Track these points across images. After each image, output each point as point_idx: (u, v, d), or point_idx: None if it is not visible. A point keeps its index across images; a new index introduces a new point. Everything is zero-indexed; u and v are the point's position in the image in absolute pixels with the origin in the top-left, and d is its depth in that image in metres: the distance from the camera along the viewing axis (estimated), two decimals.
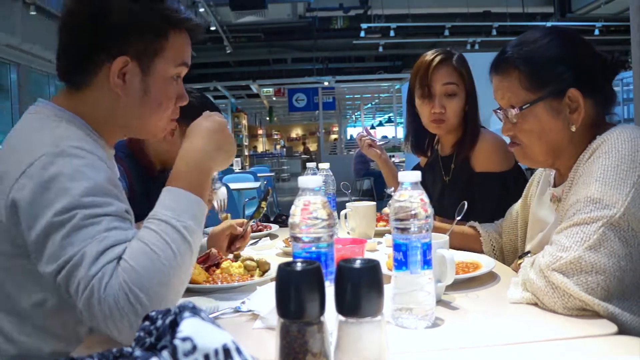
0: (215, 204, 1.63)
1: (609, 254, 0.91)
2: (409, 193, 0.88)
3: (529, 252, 1.30)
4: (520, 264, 1.09)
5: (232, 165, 11.24)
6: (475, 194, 1.69)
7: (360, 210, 1.79)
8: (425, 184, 1.99)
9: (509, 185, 1.68)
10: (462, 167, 1.78)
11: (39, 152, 0.87)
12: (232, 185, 5.16)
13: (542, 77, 1.10)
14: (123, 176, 1.68)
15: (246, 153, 17.89)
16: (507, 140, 1.24)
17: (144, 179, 1.79)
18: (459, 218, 1.33)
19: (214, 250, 1.42)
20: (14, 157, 0.90)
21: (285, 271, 0.58)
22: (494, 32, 9.98)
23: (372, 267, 0.59)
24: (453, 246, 1.33)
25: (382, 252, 1.59)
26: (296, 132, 25.00)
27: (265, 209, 1.52)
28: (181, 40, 1.04)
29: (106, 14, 0.95)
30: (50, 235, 0.82)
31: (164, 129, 1.08)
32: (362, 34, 10.16)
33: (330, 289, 0.60)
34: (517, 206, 1.46)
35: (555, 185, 1.22)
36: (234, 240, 1.48)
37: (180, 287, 0.84)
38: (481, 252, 1.46)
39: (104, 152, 0.98)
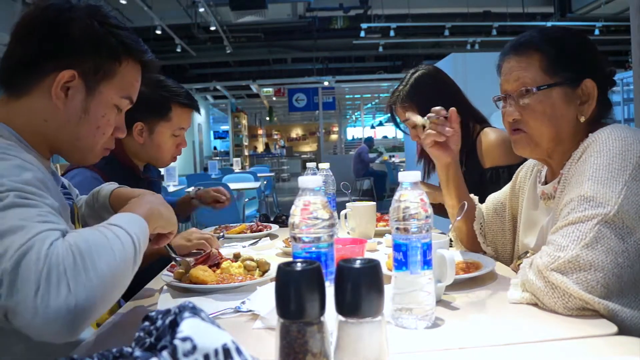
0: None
1: (606, 251, 0.91)
2: (409, 193, 0.88)
3: (527, 252, 1.30)
4: (519, 264, 1.09)
5: (231, 165, 11.26)
6: (487, 191, 1.72)
7: (360, 210, 1.79)
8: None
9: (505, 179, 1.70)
10: (472, 168, 1.83)
11: None
12: (232, 185, 5.17)
13: (563, 62, 1.12)
14: (101, 183, 1.68)
15: (246, 153, 17.88)
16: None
17: (128, 182, 1.79)
18: (458, 218, 1.33)
19: (214, 250, 1.42)
20: None
21: (285, 271, 0.58)
22: (494, 32, 9.98)
23: (372, 267, 0.59)
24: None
25: (382, 252, 1.59)
26: (296, 132, 25.01)
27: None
28: (133, 72, 1.04)
29: (67, 24, 0.95)
30: None
31: (96, 156, 1.07)
32: (362, 34, 10.16)
33: (330, 289, 0.60)
34: (500, 198, 1.46)
35: (545, 183, 1.23)
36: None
37: (122, 281, 0.82)
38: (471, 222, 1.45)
39: (37, 160, 0.94)
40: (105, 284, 0.76)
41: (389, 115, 1.95)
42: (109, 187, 1.32)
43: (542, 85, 1.12)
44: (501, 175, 1.74)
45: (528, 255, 1.24)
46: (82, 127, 1.00)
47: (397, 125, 1.99)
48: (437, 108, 1.35)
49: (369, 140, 12.73)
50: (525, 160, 1.74)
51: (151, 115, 1.78)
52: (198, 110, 1.94)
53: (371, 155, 11.39)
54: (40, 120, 0.97)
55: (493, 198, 1.49)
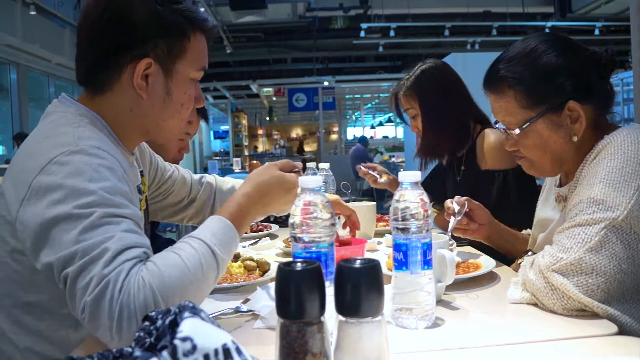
0: None
1: (610, 256, 0.90)
2: (409, 193, 0.88)
3: (529, 251, 1.30)
4: (520, 263, 1.09)
5: (232, 165, 11.26)
6: (481, 193, 1.72)
7: (360, 210, 1.78)
8: (444, 183, 2.01)
9: (510, 183, 1.70)
10: (470, 167, 1.84)
11: (58, 150, 0.86)
12: None
13: (539, 94, 1.08)
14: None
15: (246, 153, 17.87)
16: None
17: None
18: (458, 218, 1.33)
19: None
20: (38, 149, 0.89)
21: (285, 271, 0.58)
22: (494, 32, 9.98)
23: (372, 267, 0.59)
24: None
25: (382, 252, 1.59)
26: (296, 132, 25.00)
27: None
28: (201, 42, 1.04)
29: (127, 14, 0.94)
30: (59, 225, 0.79)
31: (181, 131, 1.09)
32: (362, 34, 10.16)
33: (330, 289, 0.60)
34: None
35: (561, 185, 1.22)
36: None
37: (198, 299, 0.83)
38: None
39: (122, 156, 0.97)
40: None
41: (393, 104, 1.97)
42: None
43: (523, 124, 1.09)
44: (496, 179, 1.73)
45: (529, 254, 1.24)
46: (167, 109, 1.01)
47: (399, 115, 2.01)
48: (449, 204, 1.33)
49: (364, 140, 12.20)
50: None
51: None
52: (206, 119, 2.03)
53: (369, 155, 11.31)
54: (126, 112, 0.99)
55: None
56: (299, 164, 1.06)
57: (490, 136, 1.80)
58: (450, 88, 1.88)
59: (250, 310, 1.00)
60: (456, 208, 1.31)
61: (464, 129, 1.86)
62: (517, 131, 1.11)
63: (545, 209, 1.30)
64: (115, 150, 0.95)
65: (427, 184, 2.01)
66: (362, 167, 2.15)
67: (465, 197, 1.34)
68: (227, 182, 1.47)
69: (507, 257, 1.44)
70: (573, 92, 1.06)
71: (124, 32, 0.95)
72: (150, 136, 1.07)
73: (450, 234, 1.30)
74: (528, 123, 1.09)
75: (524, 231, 1.48)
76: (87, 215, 0.79)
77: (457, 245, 1.48)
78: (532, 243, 1.36)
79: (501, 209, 1.61)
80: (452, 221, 1.30)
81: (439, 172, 2.08)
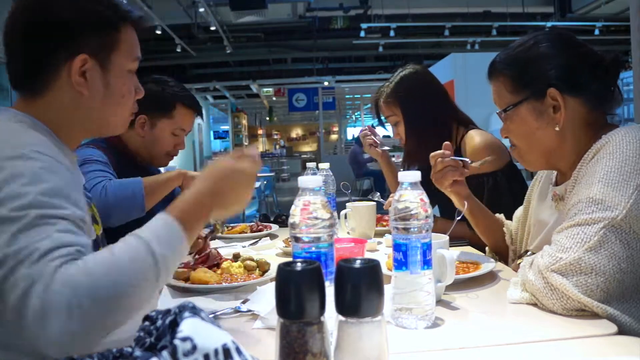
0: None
1: (609, 255, 0.90)
2: (409, 193, 0.88)
3: (528, 251, 1.30)
4: (520, 263, 1.09)
5: None
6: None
7: (360, 210, 1.79)
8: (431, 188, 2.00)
9: (501, 184, 1.69)
10: None
11: None
12: None
13: (523, 79, 1.12)
14: (109, 160, 1.71)
15: None
16: (505, 140, 1.26)
17: (130, 168, 1.81)
18: (458, 218, 1.33)
19: (213, 250, 1.42)
20: None
21: (285, 271, 0.58)
22: (494, 32, 9.97)
23: (372, 267, 0.59)
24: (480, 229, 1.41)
25: (382, 252, 1.59)
26: (296, 132, 25.01)
27: (219, 229, 1.61)
28: (131, 33, 1.03)
29: (54, 12, 0.94)
30: None
31: (124, 124, 1.08)
32: (362, 34, 10.15)
33: (330, 289, 0.60)
34: (520, 210, 1.46)
35: (557, 184, 1.22)
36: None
37: (128, 313, 0.76)
38: (502, 241, 1.45)
39: (65, 158, 0.95)
40: (103, 315, 0.73)
41: (374, 111, 1.98)
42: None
43: (508, 106, 1.14)
44: (486, 184, 1.71)
45: (528, 254, 1.24)
46: (108, 103, 1.01)
47: (380, 122, 2.01)
48: (444, 150, 1.35)
49: (359, 141, 12.20)
50: (509, 162, 1.73)
51: (155, 110, 1.83)
52: (201, 115, 1.98)
53: (366, 156, 11.27)
54: (68, 110, 0.98)
55: (517, 213, 1.48)
56: (255, 152, 0.98)
57: (475, 138, 1.78)
58: (431, 93, 1.88)
59: (250, 310, 1.00)
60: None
61: (447, 133, 1.85)
62: (503, 114, 1.16)
63: (541, 209, 1.30)
64: (57, 152, 0.91)
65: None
66: (363, 130, 2.13)
67: (446, 152, 1.35)
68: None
69: (481, 237, 1.47)
70: (556, 80, 1.09)
71: (53, 31, 0.94)
72: (93, 133, 1.07)
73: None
74: (511, 107, 1.14)
75: (496, 215, 1.49)
76: (21, 218, 0.77)
77: (457, 246, 1.48)
78: (531, 241, 1.36)
79: (494, 209, 1.61)
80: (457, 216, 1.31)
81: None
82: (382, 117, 1.97)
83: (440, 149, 1.82)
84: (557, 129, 1.10)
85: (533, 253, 1.18)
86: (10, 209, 0.78)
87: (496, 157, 1.71)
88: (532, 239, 1.34)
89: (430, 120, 1.84)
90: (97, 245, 1.03)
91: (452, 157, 1.34)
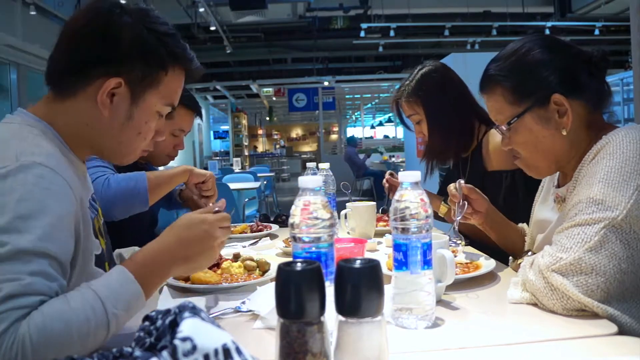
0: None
1: (609, 255, 0.90)
2: (409, 193, 0.88)
3: (529, 251, 1.30)
4: (520, 263, 1.09)
5: (231, 165, 11.27)
6: (487, 194, 1.73)
7: (360, 210, 1.79)
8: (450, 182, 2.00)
9: (518, 182, 1.70)
10: (476, 168, 1.83)
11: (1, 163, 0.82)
12: (232, 185, 5.17)
13: (524, 89, 1.11)
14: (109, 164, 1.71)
15: (246, 153, 17.88)
16: None
17: (130, 168, 1.81)
18: (458, 218, 1.33)
19: None
20: None
21: (285, 271, 0.58)
22: (494, 32, 9.98)
23: (372, 267, 0.59)
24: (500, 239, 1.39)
25: (382, 252, 1.59)
26: (296, 132, 25.02)
27: None
28: (178, 79, 1.03)
29: (113, 30, 0.94)
30: None
31: (134, 158, 1.07)
32: (362, 34, 10.15)
33: (330, 289, 0.60)
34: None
35: (559, 186, 1.22)
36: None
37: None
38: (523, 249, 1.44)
39: (72, 168, 0.94)
40: None
41: (395, 110, 1.94)
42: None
43: (511, 119, 1.12)
44: (503, 181, 1.73)
45: (529, 254, 1.24)
46: (124, 133, 0.99)
47: (401, 121, 1.99)
48: (452, 191, 1.35)
49: (352, 141, 11.77)
50: None
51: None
52: (200, 115, 1.97)
53: (361, 156, 11.19)
54: (82, 124, 0.97)
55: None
56: (225, 216, 0.99)
57: (496, 137, 1.79)
58: (453, 90, 1.86)
59: (250, 310, 1.00)
60: (459, 193, 1.33)
61: (470, 131, 1.85)
62: (505, 127, 1.14)
63: (543, 210, 1.30)
64: (63, 162, 0.91)
65: (441, 183, 2.03)
66: (387, 182, 2.02)
67: (469, 185, 1.35)
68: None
69: (500, 248, 1.45)
70: (558, 86, 1.08)
71: (104, 46, 0.94)
72: (101, 154, 1.04)
73: (456, 227, 1.30)
74: (516, 118, 1.12)
75: (519, 225, 1.48)
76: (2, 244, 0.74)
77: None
78: (530, 243, 1.36)
79: (510, 208, 1.63)
80: (458, 216, 1.32)
81: (451, 172, 2.08)
82: (403, 116, 1.94)
83: (462, 145, 1.83)
84: (564, 133, 1.09)
85: (533, 253, 1.18)
86: None
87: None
88: (532, 239, 1.34)
89: (453, 117, 1.82)
90: (101, 261, 1.01)
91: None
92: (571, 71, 1.09)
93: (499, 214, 1.41)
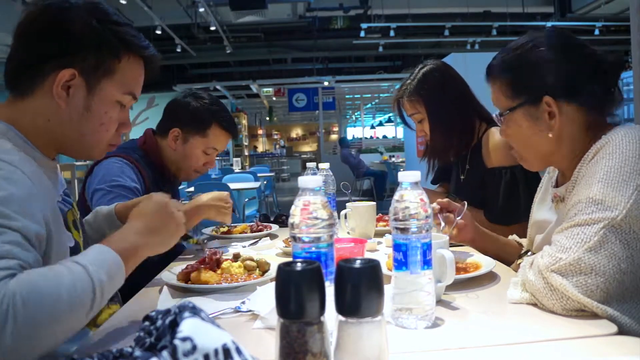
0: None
1: (609, 256, 0.90)
2: (409, 193, 0.88)
3: (528, 251, 1.30)
4: (520, 263, 1.09)
5: (231, 165, 11.27)
6: (487, 191, 1.74)
7: (360, 210, 1.79)
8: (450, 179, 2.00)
9: (518, 179, 1.71)
10: (475, 166, 1.84)
11: None
12: (232, 185, 5.17)
13: (519, 85, 1.12)
14: (139, 177, 1.73)
15: (246, 153, 17.88)
16: None
17: (157, 181, 1.83)
18: (458, 218, 1.33)
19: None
20: None
21: (285, 271, 0.58)
22: (494, 32, 9.98)
23: (372, 267, 0.59)
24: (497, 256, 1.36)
25: (382, 252, 1.59)
26: (296, 132, 25.02)
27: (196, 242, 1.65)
28: (134, 68, 1.04)
29: (62, 22, 0.95)
30: None
31: (101, 152, 1.07)
32: (362, 34, 10.15)
33: (330, 289, 0.60)
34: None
35: (557, 185, 1.22)
36: None
37: (63, 332, 0.76)
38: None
39: (35, 166, 0.94)
40: (37, 328, 0.71)
41: (396, 109, 1.95)
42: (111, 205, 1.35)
43: (505, 111, 1.15)
44: (503, 176, 1.74)
45: (529, 254, 1.24)
46: (85, 125, 1.00)
47: (403, 120, 1.99)
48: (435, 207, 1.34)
49: (344, 142, 11.71)
50: None
51: (190, 126, 1.85)
52: (236, 137, 2.00)
53: (354, 154, 11.12)
54: (43, 120, 0.98)
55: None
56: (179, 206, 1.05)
57: (496, 134, 1.80)
58: (454, 88, 1.87)
59: (250, 310, 1.00)
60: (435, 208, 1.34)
61: (471, 129, 1.86)
62: (499, 118, 1.18)
63: (541, 210, 1.30)
64: (24, 159, 0.91)
65: (438, 171, 2.02)
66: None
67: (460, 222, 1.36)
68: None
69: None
70: (552, 89, 1.09)
71: (55, 39, 0.95)
72: (67, 150, 1.04)
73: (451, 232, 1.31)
74: (508, 111, 1.15)
75: (510, 237, 1.49)
76: None
77: (458, 246, 1.48)
78: (529, 244, 1.36)
79: (510, 204, 1.65)
80: (458, 216, 1.33)
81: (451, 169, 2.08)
82: (405, 115, 1.94)
83: (463, 143, 1.83)
84: (550, 135, 1.10)
85: (533, 253, 1.18)
86: None
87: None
88: (530, 239, 1.34)
89: (455, 115, 1.83)
90: (76, 253, 1.00)
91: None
92: (570, 75, 1.09)
93: (488, 238, 1.42)
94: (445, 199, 1.36)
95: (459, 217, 1.32)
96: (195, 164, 1.88)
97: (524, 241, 1.44)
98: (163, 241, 0.99)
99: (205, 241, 1.59)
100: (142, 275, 1.24)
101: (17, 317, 0.68)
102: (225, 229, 2.00)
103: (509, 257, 1.41)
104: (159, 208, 1.00)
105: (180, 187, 5.89)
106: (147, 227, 0.96)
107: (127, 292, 1.19)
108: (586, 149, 1.06)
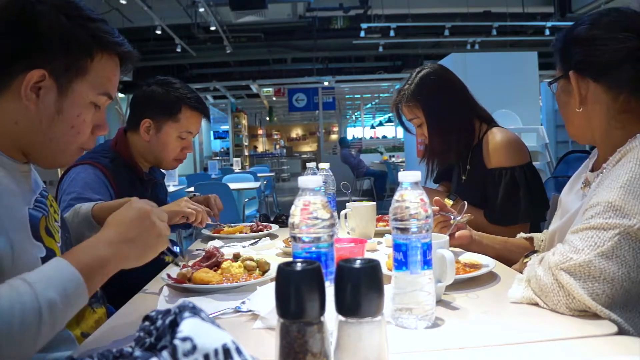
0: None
1: (619, 263, 0.90)
2: (409, 193, 0.88)
3: (535, 251, 1.29)
4: (526, 262, 1.08)
5: (231, 165, 11.27)
6: (488, 191, 1.75)
7: (360, 210, 1.79)
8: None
9: (519, 179, 1.71)
10: (476, 166, 1.84)
11: None
12: (232, 185, 5.17)
13: (562, 56, 1.17)
14: (105, 183, 1.67)
15: (246, 153, 17.89)
16: (520, 135, 1.26)
17: (132, 183, 1.80)
18: (459, 218, 1.33)
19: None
20: None
21: (285, 271, 0.58)
22: (494, 32, 9.96)
23: (372, 267, 0.59)
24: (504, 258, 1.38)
25: (382, 252, 1.59)
26: (296, 132, 25.02)
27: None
28: (109, 66, 0.98)
29: (33, 24, 0.89)
30: None
31: (68, 157, 1.00)
32: (362, 34, 10.15)
33: (330, 289, 0.60)
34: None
35: (593, 170, 1.22)
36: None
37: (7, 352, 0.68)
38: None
39: (2, 170, 0.90)
40: None
41: (395, 114, 1.94)
42: (90, 203, 1.30)
43: (552, 80, 1.21)
44: (503, 177, 1.74)
45: (536, 254, 1.24)
46: (55, 128, 0.94)
47: (402, 124, 2.00)
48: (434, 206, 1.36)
49: (344, 142, 11.68)
50: (529, 162, 1.76)
51: (160, 114, 1.80)
52: (208, 117, 1.94)
53: (354, 154, 11.11)
54: (10, 123, 0.92)
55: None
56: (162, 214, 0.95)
57: (497, 135, 1.80)
58: (453, 92, 1.87)
59: (250, 310, 1.00)
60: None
61: (470, 131, 1.86)
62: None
63: (569, 195, 1.31)
64: None
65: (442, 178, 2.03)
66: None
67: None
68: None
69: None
70: (578, 64, 1.11)
71: (22, 38, 0.89)
72: (35, 153, 0.97)
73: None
74: (554, 80, 1.21)
75: (518, 235, 1.49)
76: None
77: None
78: (550, 223, 1.36)
79: (510, 205, 1.65)
80: (458, 216, 1.35)
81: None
82: (404, 120, 1.95)
83: (463, 145, 1.83)
84: (578, 110, 1.14)
85: (540, 253, 1.18)
86: None
87: (516, 154, 1.76)
88: (553, 217, 1.35)
89: (453, 118, 1.84)
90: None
91: (441, 213, 1.38)
92: (598, 54, 1.08)
93: (483, 247, 1.43)
94: (437, 207, 1.37)
95: (459, 217, 1.32)
96: (173, 152, 1.84)
97: (538, 235, 1.45)
98: (140, 253, 0.89)
99: (186, 256, 1.54)
100: (142, 275, 1.24)
101: None
102: (225, 229, 2.00)
103: (510, 255, 1.42)
104: (138, 216, 0.89)
105: (180, 187, 5.87)
106: (122, 236, 0.86)
107: (127, 292, 1.19)
108: (619, 139, 1.06)
